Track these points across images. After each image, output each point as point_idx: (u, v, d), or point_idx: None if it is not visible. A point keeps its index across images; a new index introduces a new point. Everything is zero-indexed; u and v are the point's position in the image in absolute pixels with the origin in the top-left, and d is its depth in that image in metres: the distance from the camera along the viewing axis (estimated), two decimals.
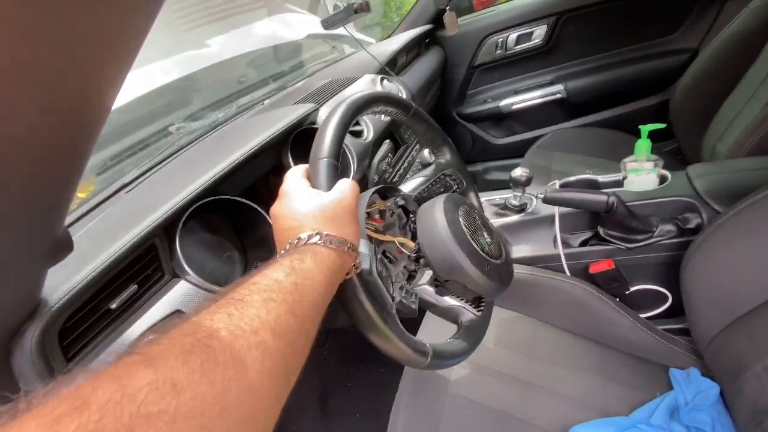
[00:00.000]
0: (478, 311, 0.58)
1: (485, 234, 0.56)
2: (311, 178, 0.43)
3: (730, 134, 1.02)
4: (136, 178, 0.68)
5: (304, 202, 0.39)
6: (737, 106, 1.05)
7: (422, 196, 0.65)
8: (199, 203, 0.54)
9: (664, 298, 0.84)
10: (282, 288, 0.28)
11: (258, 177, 0.69)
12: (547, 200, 0.81)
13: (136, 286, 0.47)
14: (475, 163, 1.75)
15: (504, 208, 0.98)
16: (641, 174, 0.83)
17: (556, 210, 0.87)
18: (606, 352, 0.79)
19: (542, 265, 0.89)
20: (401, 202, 0.64)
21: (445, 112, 1.64)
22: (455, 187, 0.70)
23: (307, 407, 1.06)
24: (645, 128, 0.82)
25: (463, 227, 0.53)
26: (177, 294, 0.50)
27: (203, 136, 0.82)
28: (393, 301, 0.47)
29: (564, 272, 0.86)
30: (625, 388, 0.73)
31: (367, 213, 0.61)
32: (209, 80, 1.02)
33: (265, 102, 0.96)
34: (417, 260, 0.61)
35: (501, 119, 1.64)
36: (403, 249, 0.59)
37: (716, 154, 1.07)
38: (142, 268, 0.48)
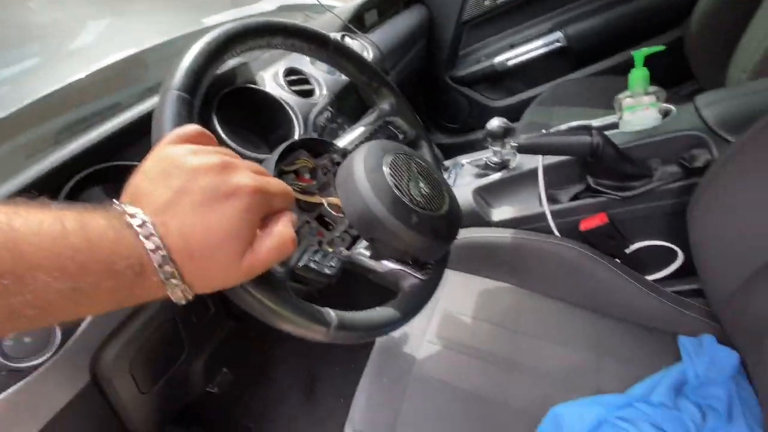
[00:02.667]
0: (423, 274, 0.49)
1: (421, 183, 0.47)
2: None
3: (752, 62, 0.86)
4: None
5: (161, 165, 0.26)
6: (764, 28, 0.88)
7: None
8: (88, 170, 0.48)
9: (674, 256, 0.71)
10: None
11: None
12: (521, 148, 0.70)
13: None
14: (474, 131, 1.62)
15: (485, 168, 0.87)
16: (638, 110, 0.70)
17: (539, 162, 0.75)
18: (602, 322, 0.68)
19: (528, 227, 0.78)
20: (338, 159, 0.56)
21: (436, 77, 1.52)
22: (401, 138, 0.61)
23: (292, 392, 1.01)
24: (638, 54, 0.69)
25: (386, 175, 0.44)
26: None
27: None
28: (288, 266, 0.39)
29: (552, 233, 0.75)
30: (624, 363, 0.62)
31: (294, 172, 0.53)
32: (163, 57, 0.96)
33: None
34: None
35: (498, 79, 1.50)
36: (332, 210, 0.51)
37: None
38: None
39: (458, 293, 0.74)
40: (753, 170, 0.53)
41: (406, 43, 1.21)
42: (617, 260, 0.72)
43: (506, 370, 0.63)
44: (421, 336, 0.68)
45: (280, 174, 0.52)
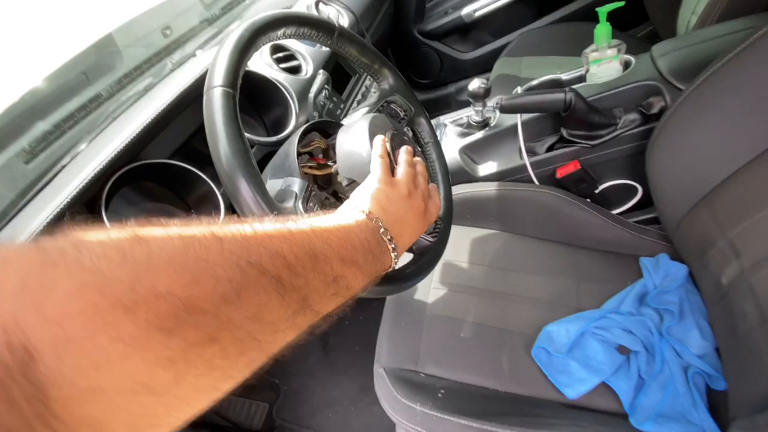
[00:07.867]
0: (432, 237, 0.57)
1: None
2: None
3: (702, 2, 0.94)
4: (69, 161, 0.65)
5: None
6: None
7: None
8: (119, 173, 0.52)
9: (634, 191, 0.83)
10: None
11: (190, 135, 0.65)
12: (503, 109, 0.77)
13: None
14: (446, 85, 1.66)
15: (468, 127, 0.94)
16: (603, 63, 0.78)
17: (518, 119, 0.83)
18: (578, 253, 0.80)
19: (511, 179, 0.87)
20: None
21: (404, 31, 1.53)
22: (402, 114, 0.66)
23: (310, 349, 1.11)
24: (602, 10, 0.75)
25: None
26: None
27: (136, 102, 0.76)
28: None
29: (532, 181, 0.84)
30: (598, 284, 0.75)
31: (309, 153, 0.58)
32: (130, 39, 0.93)
33: (197, 53, 0.89)
34: None
35: (466, 31, 1.52)
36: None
37: (690, 28, 0.99)
38: None
39: (455, 243, 0.84)
40: (698, 115, 0.63)
41: (375, 2, 1.20)
42: (588, 200, 0.83)
43: (503, 302, 0.74)
44: (428, 283, 0.78)
45: (297, 155, 0.57)
